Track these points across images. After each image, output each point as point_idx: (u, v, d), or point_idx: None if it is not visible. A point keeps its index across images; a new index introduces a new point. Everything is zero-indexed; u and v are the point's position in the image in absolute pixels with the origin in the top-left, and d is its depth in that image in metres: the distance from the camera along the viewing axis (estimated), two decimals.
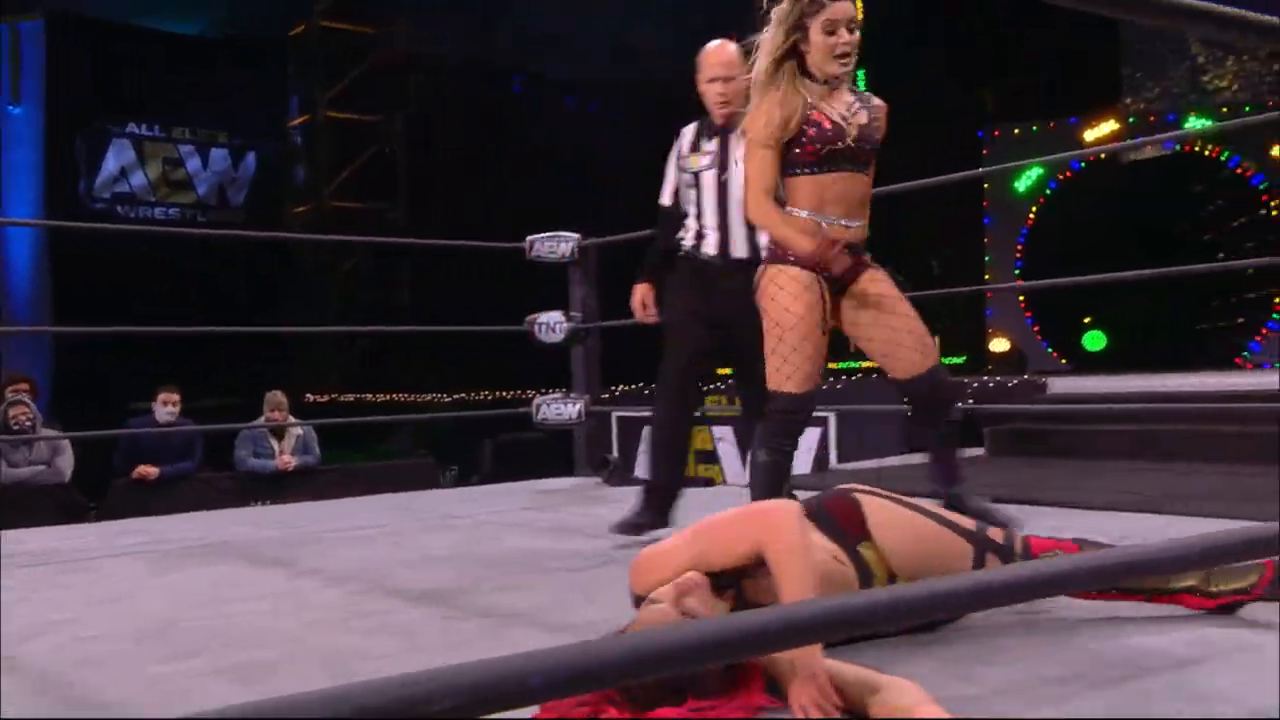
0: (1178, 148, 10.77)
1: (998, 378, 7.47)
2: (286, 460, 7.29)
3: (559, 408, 5.34)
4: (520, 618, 2.43)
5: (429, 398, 12.39)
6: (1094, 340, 11.62)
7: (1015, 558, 2.01)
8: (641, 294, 3.68)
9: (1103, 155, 11.21)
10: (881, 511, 2.03)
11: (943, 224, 12.01)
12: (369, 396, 13.07)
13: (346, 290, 14.25)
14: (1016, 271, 12.16)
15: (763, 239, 3.37)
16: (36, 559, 3.55)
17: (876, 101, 2.87)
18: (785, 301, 2.76)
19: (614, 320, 5.86)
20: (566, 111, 14.46)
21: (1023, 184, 12.40)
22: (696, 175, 3.48)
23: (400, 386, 13.05)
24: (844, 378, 9.41)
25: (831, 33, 2.69)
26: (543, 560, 3.18)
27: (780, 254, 2.79)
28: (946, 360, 13.04)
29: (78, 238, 12.65)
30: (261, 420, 7.36)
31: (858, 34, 2.74)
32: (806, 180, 2.75)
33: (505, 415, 6.38)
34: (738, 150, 3.37)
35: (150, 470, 6.93)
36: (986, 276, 12.28)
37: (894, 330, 2.79)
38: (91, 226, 13.15)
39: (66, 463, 6.97)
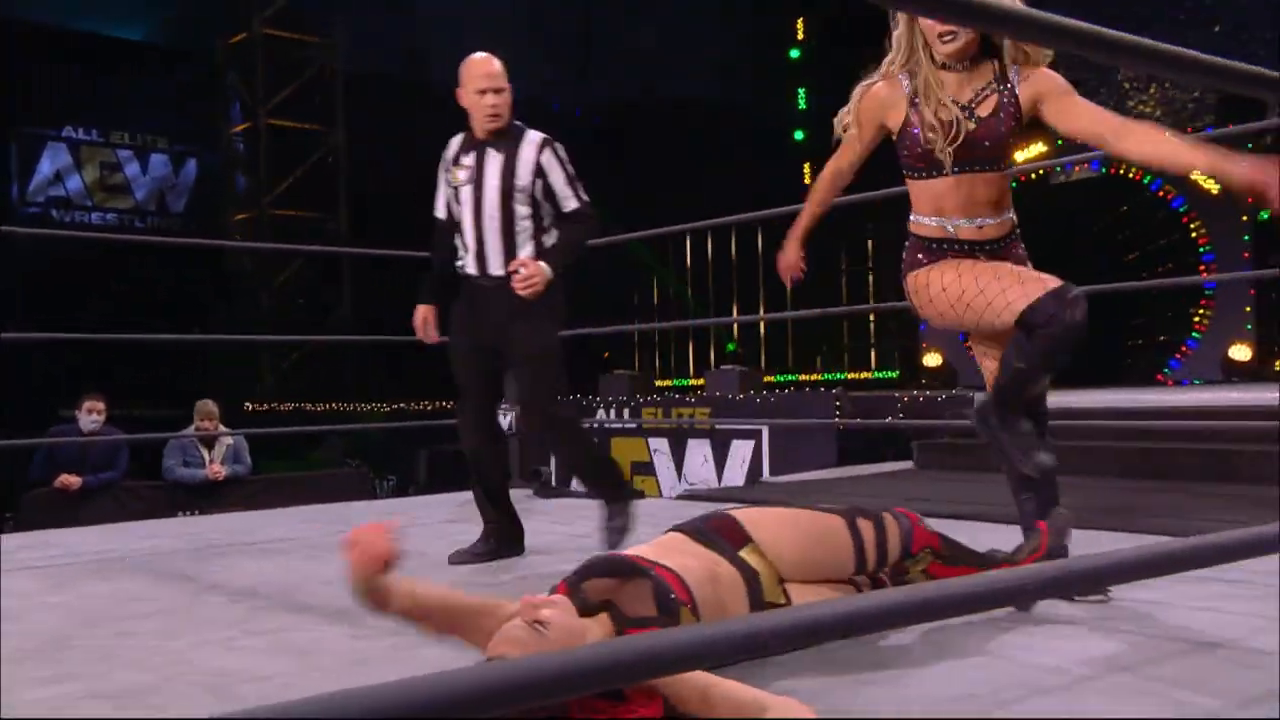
0: (1104, 170, 10.93)
1: (928, 392, 7.47)
2: (216, 470, 7.06)
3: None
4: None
5: (368, 407, 12.16)
6: None
7: (886, 526, 2.17)
8: (422, 315, 3.49)
9: (1033, 175, 11.33)
10: (757, 516, 2.12)
11: (876, 242, 12.07)
12: (307, 406, 12.80)
13: (284, 299, 13.96)
14: None
15: (523, 253, 3.28)
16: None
17: (1024, 76, 2.43)
18: (938, 287, 2.49)
19: None
20: None
21: None
22: (457, 190, 3.37)
23: (339, 396, 12.80)
24: (777, 391, 9.39)
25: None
26: (466, 576, 3.06)
27: (911, 260, 2.55)
28: (881, 374, 13.08)
29: (8, 242, 12.29)
30: (191, 429, 7.12)
31: None
32: (916, 185, 2.53)
33: (438, 426, 6.24)
34: (494, 164, 3.29)
35: (72, 480, 6.67)
36: None
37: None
38: (23, 231, 12.72)
39: None
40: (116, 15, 14.78)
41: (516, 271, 3.23)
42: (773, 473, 6.65)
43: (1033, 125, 2.49)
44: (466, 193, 3.33)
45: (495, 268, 3.30)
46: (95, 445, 6.72)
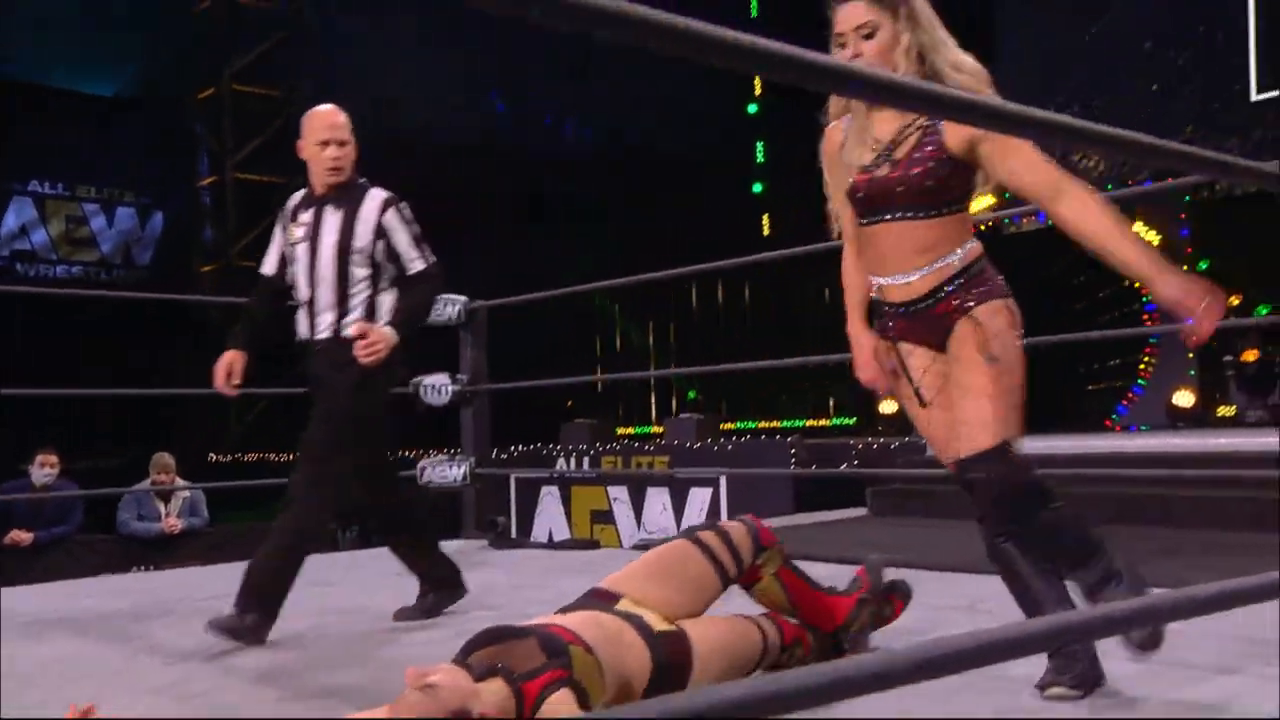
0: (1049, 222, 11.06)
1: (882, 439, 7.46)
2: (172, 524, 6.91)
3: (444, 470, 5.13)
4: (359, 694, 2.21)
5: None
6: None
7: (729, 531, 2.22)
8: (227, 360, 3.22)
9: (983, 227, 11.46)
10: (618, 575, 2.17)
11: (834, 289, 12.12)
12: (271, 456, 12.59)
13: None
14: None
15: (353, 316, 3.08)
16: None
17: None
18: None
19: (504, 383, 5.73)
20: (458, 172, 14.27)
21: None
22: (293, 247, 3.16)
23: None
24: (735, 438, 9.35)
25: (842, 46, 2.12)
26: (401, 634, 2.96)
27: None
28: (838, 421, 13.07)
29: None
30: (147, 483, 6.97)
31: (876, 42, 2.08)
32: (859, 233, 2.21)
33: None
34: (331, 222, 3.11)
35: (23, 536, 6.49)
36: None
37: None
38: None
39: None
40: (85, 70, 14.68)
41: (358, 337, 3.02)
42: (730, 519, 6.58)
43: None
44: (302, 250, 3.12)
45: (324, 329, 3.10)
46: (48, 500, 6.55)
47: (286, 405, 13.94)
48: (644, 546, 5.28)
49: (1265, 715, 1.73)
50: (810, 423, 12.25)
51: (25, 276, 13.38)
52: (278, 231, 3.26)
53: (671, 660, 1.99)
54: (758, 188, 14.80)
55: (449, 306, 5.13)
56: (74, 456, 7.66)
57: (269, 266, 3.27)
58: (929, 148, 2.08)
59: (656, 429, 12.23)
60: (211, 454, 12.77)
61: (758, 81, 14.35)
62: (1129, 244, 1.96)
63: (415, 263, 3.15)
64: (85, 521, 7.11)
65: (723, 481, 6.82)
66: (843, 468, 6.60)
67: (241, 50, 14.32)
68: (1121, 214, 1.97)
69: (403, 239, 3.14)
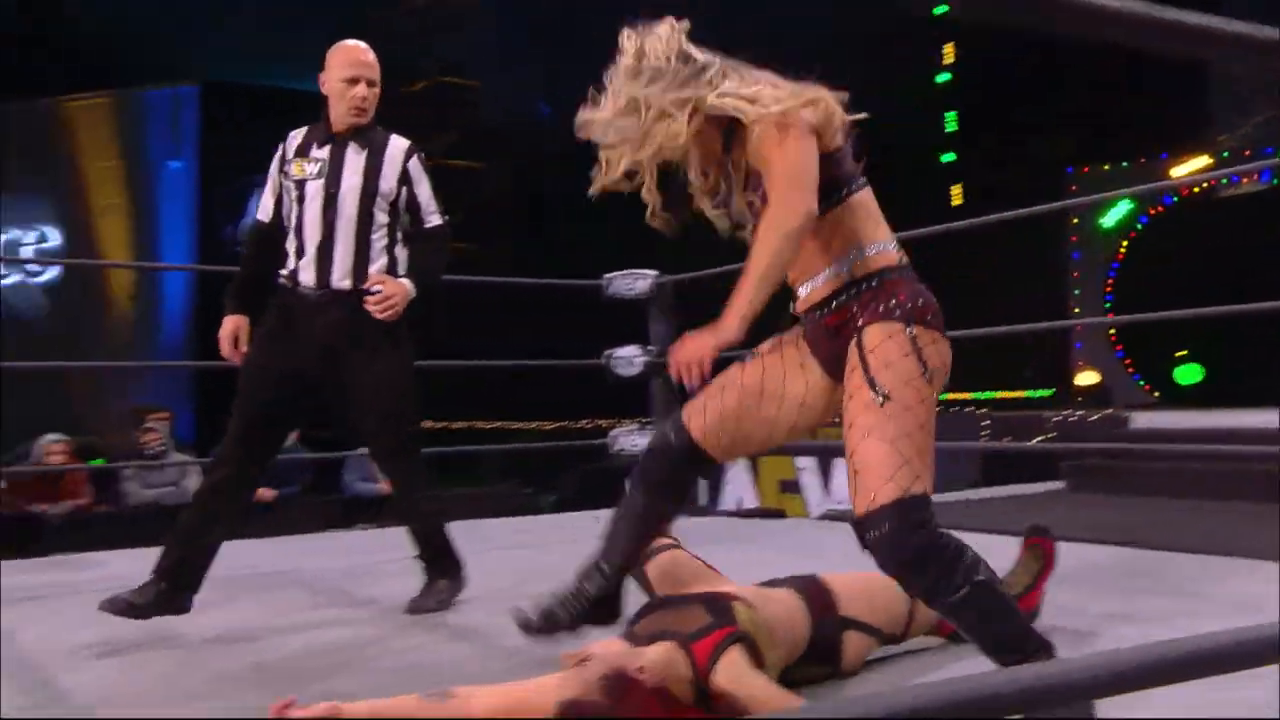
0: (1275, 181, 10.08)
1: (1080, 412, 6.99)
2: (388, 485, 7.24)
3: (635, 439, 5.13)
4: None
5: (533, 425, 12.34)
6: (1187, 374, 10.90)
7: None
8: (232, 328, 2.81)
9: (1195, 189, 10.57)
10: (845, 577, 2.05)
11: (1028, 261, 11.49)
12: (478, 424, 13.09)
13: (452, 323, 14.39)
14: (1106, 305, 11.53)
15: (374, 267, 2.75)
16: (121, 583, 3.48)
17: None
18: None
19: None
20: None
21: (1110, 220, 11.77)
22: (301, 185, 2.78)
23: (507, 414, 13.04)
24: None
25: None
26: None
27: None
28: (1032, 394, 12.42)
29: (226, 278, 13.01)
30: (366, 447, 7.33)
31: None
32: None
33: (588, 446, 6.23)
34: (354, 162, 2.79)
35: (266, 493, 6.95)
36: (1076, 310, 11.67)
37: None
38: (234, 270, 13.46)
39: (193, 484, 7.06)
40: (305, 71, 15.59)
41: (370, 290, 2.72)
42: None
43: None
44: (314, 188, 2.76)
45: (340, 279, 2.74)
46: (280, 462, 7.00)
47: (482, 374, 14.53)
48: (831, 517, 5.14)
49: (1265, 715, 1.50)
50: (1001, 394, 11.68)
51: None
52: (274, 172, 2.88)
53: (828, 642, 1.91)
54: (948, 157, 14.17)
55: (639, 281, 5.13)
56: (304, 425, 8.13)
57: (264, 212, 2.89)
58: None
59: None
60: (425, 421, 13.35)
61: (949, 49, 13.72)
62: (762, 259, 1.73)
63: (434, 216, 2.90)
64: (312, 483, 7.57)
65: None
66: (1036, 441, 6.23)
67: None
68: (774, 261, 1.73)
69: (425, 189, 2.89)
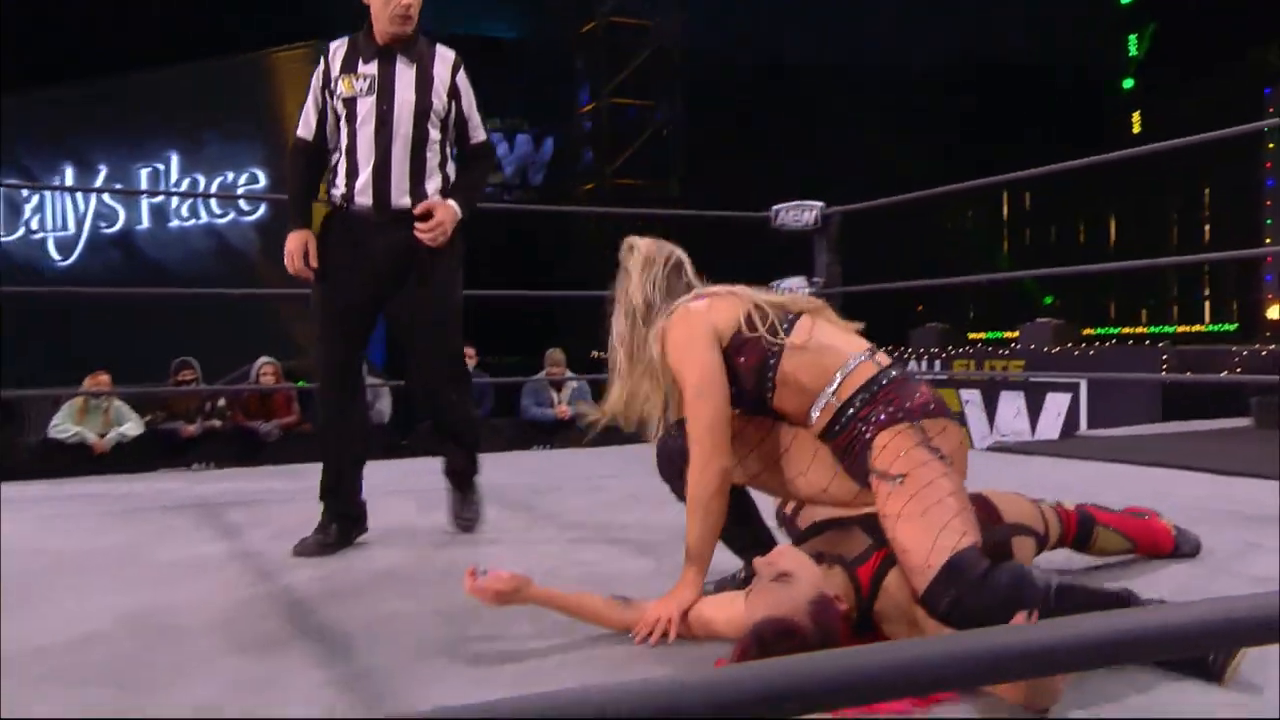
0: None
1: (1271, 346, 6.47)
2: (564, 411, 7.44)
3: None
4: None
5: None
6: None
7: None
8: (300, 243, 2.59)
9: None
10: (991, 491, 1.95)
11: (1213, 187, 10.62)
12: None
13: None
14: None
15: (430, 185, 2.60)
16: None
17: None
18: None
19: (855, 286, 5.54)
20: (816, 91, 13.90)
21: None
22: (351, 103, 2.57)
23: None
24: (1097, 344, 8.50)
25: None
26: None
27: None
28: (1215, 328, 11.67)
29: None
30: (542, 375, 7.54)
31: None
32: None
33: None
34: (405, 76, 2.58)
35: None
36: (1267, 240, 10.76)
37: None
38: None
39: (386, 407, 7.44)
40: (490, 17, 15.81)
41: (424, 214, 2.58)
42: (1090, 426, 6.03)
43: None
44: (366, 106, 2.57)
45: (399, 198, 2.58)
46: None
47: None
48: (998, 449, 4.96)
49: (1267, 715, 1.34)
50: (1181, 328, 10.93)
51: None
52: (317, 87, 2.65)
53: (1001, 547, 1.83)
54: (1128, 83, 13.19)
55: (806, 212, 5.02)
56: (485, 352, 8.42)
57: (307, 129, 2.66)
58: None
59: (1009, 334, 11.46)
60: (594, 351, 13.60)
61: None
62: (695, 524, 1.80)
63: (479, 130, 2.71)
64: (492, 408, 7.85)
65: (1083, 387, 6.25)
66: (1222, 375, 5.81)
67: None
68: (707, 506, 1.79)
69: (471, 104, 2.70)
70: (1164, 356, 6.23)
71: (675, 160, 14.84)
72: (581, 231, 12.56)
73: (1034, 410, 6.57)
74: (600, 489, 3.67)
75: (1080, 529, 2.05)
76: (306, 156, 2.66)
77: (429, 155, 2.61)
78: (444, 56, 2.68)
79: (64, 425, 6.50)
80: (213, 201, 13.22)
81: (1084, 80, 12.96)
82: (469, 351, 7.33)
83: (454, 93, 2.66)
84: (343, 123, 2.60)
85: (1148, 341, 9.35)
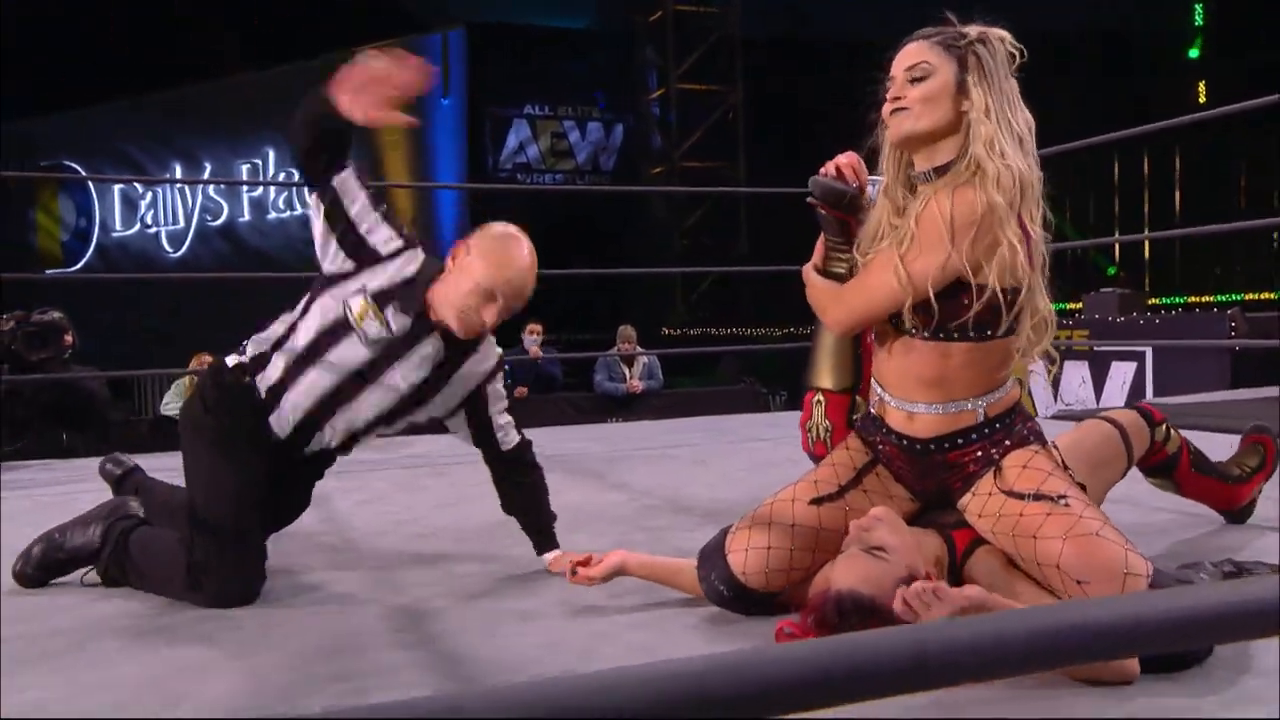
0: None
1: None
2: (634, 384, 7.42)
3: None
4: None
5: (762, 331, 12.28)
6: None
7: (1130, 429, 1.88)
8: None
9: None
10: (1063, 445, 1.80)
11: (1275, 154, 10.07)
12: (712, 330, 13.15)
13: (693, 239, 14.41)
14: None
15: None
16: (417, 460, 3.74)
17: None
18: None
19: None
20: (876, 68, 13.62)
21: None
22: (342, 326, 1.88)
23: (739, 321, 13.04)
24: (1163, 313, 8.15)
25: (888, 88, 1.61)
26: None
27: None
28: (1262, 294, 11.09)
29: (490, 200, 13.62)
30: (614, 350, 7.52)
31: (924, 87, 1.55)
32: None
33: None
34: (416, 364, 1.92)
35: (521, 390, 7.33)
36: None
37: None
38: (503, 188, 14.10)
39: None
40: (562, 10, 15.78)
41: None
42: (1156, 394, 5.78)
43: None
44: (355, 354, 1.88)
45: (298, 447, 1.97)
46: (540, 361, 7.33)
47: (723, 286, 14.60)
48: (1063, 416, 4.78)
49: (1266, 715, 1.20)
50: (1249, 296, 10.43)
51: (524, 184, 14.87)
52: (372, 222, 1.91)
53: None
54: (1194, 53, 12.58)
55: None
56: (559, 329, 8.45)
57: (336, 263, 1.91)
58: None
59: (1073, 305, 11.10)
60: (665, 328, 13.55)
61: None
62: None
63: (510, 431, 2.12)
64: (567, 381, 7.87)
65: (1148, 355, 5.99)
66: None
67: None
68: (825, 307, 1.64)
69: (503, 405, 2.10)
70: (1232, 324, 5.93)
71: (740, 142, 14.66)
72: (652, 213, 12.52)
73: (1099, 379, 6.32)
74: (669, 458, 3.63)
75: (1162, 466, 1.99)
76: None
77: (371, 433, 2.01)
78: (487, 355, 2.01)
79: (174, 403, 6.70)
80: (306, 191, 13.48)
81: (1152, 46, 12.38)
82: (537, 328, 7.38)
83: (476, 400, 2.02)
84: (316, 314, 1.89)
85: (1215, 309, 8.95)
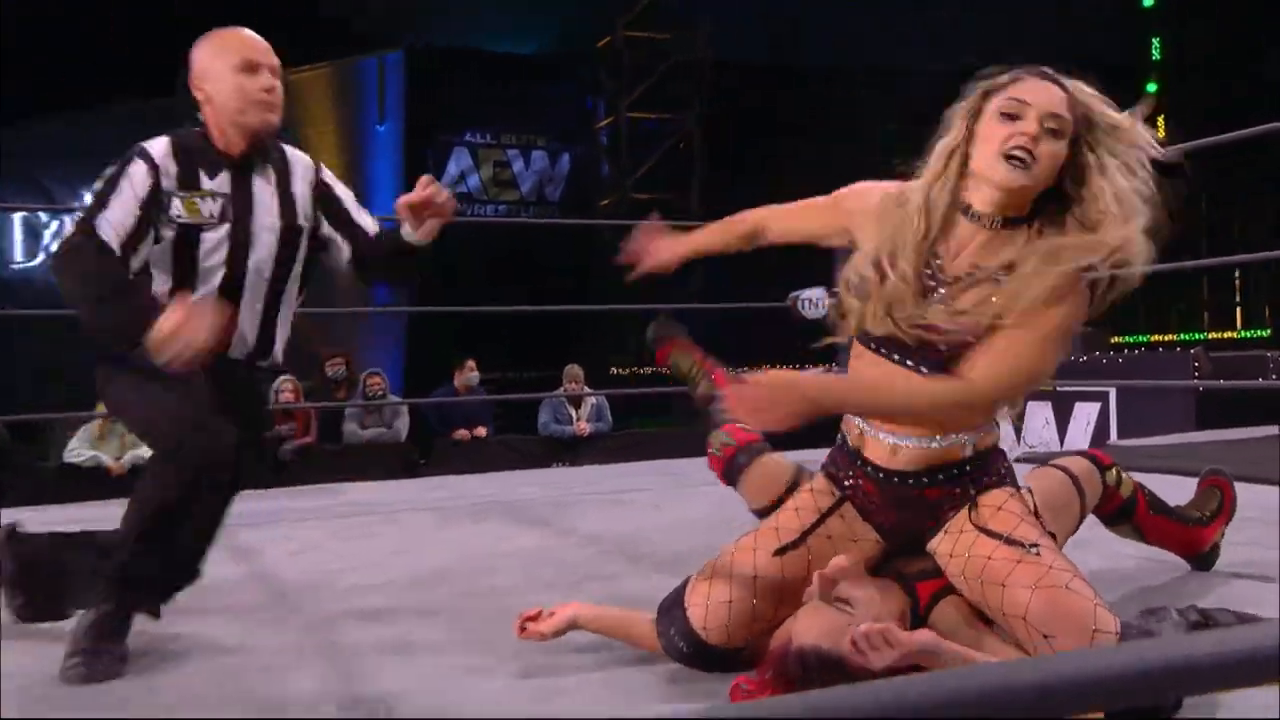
0: None
1: None
2: (582, 427, 7.42)
3: None
4: None
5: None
6: None
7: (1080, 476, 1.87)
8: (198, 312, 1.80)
9: None
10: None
11: (1242, 184, 10.49)
12: (665, 370, 13.21)
13: (644, 274, 14.53)
14: None
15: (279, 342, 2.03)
16: (355, 508, 3.70)
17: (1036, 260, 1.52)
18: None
19: None
20: (841, 103, 13.91)
21: None
22: (190, 231, 1.91)
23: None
24: (1126, 352, 8.40)
25: (1013, 117, 1.53)
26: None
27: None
28: (1249, 334, 11.56)
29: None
30: (561, 391, 7.53)
31: (1054, 147, 1.52)
32: (856, 355, 1.65)
33: None
34: (266, 195, 1.99)
35: (480, 430, 7.34)
36: None
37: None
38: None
39: (403, 425, 7.45)
40: (507, 34, 15.93)
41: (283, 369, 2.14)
42: (1121, 435, 5.94)
43: None
44: (214, 237, 1.94)
45: (237, 353, 2.00)
46: (473, 402, 7.33)
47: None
48: (1027, 460, 4.88)
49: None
50: (1212, 334, 10.78)
51: (464, 215, 14.88)
52: (127, 193, 1.89)
53: None
54: (1152, 87, 13.09)
55: (817, 304, 4.99)
56: (502, 368, 8.44)
57: (117, 236, 1.87)
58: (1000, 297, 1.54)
59: None
60: (614, 367, 13.60)
61: None
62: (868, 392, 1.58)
63: (365, 216, 2.13)
64: (512, 424, 7.85)
65: (1112, 395, 6.16)
66: (1258, 381, 5.71)
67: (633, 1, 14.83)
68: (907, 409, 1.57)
69: (350, 194, 2.14)
70: (1195, 363, 6.13)
71: (695, 173, 14.86)
72: (600, 246, 12.59)
73: (1062, 420, 6.48)
74: (620, 503, 3.64)
75: (1119, 512, 2.02)
76: (102, 278, 1.86)
77: (284, 306, 2.05)
78: (298, 158, 2.09)
79: (80, 449, 6.54)
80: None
81: (1108, 81, 12.88)
82: (472, 364, 7.39)
83: (323, 197, 2.07)
84: (169, 254, 1.92)
85: (1178, 349, 9.23)
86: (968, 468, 1.59)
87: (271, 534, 3.15)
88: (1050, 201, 1.56)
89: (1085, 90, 1.57)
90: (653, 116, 14.51)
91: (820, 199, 1.77)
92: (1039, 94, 1.53)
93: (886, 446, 1.60)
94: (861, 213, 1.67)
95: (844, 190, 1.73)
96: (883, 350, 1.59)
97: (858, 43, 14.45)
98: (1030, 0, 13.16)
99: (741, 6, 13.63)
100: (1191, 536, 2.18)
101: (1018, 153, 1.50)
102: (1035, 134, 1.51)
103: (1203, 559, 2.24)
